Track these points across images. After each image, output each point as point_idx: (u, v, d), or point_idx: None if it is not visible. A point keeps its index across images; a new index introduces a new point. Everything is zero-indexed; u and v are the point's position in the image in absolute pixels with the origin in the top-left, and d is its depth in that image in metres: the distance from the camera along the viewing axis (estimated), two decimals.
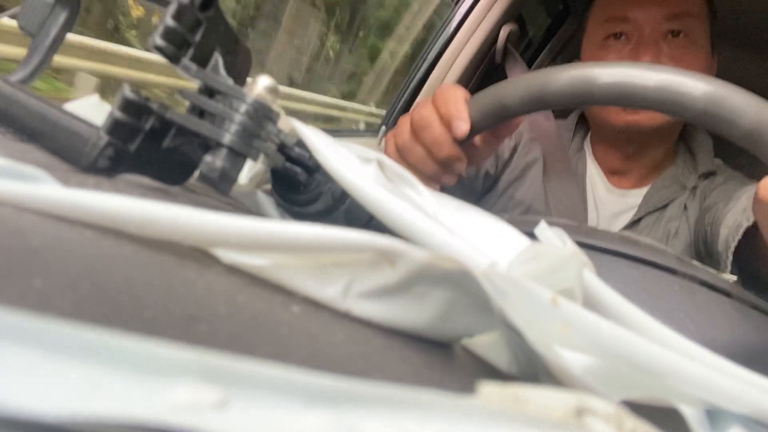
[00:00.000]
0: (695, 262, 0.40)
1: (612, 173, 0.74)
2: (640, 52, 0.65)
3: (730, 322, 0.33)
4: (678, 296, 0.34)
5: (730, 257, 0.50)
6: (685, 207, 0.69)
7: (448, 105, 0.46)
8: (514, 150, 0.77)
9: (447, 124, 0.45)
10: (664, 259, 0.37)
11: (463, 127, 0.45)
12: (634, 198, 0.72)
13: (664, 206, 0.69)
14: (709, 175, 0.71)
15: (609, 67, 0.40)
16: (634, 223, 0.69)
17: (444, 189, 0.49)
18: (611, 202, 0.73)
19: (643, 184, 0.72)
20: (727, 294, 0.35)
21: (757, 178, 0.38)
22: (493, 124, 0.46)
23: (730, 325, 0.33)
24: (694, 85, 0.37)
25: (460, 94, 0.46)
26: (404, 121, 0.50)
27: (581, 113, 0.80)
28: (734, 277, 0.46)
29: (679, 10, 0.65)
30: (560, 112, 0.88)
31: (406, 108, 1.03)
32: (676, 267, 0.36)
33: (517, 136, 0.78)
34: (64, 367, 0.08)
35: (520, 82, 0.43)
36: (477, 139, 0.49)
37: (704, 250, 0.63)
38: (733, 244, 0.50)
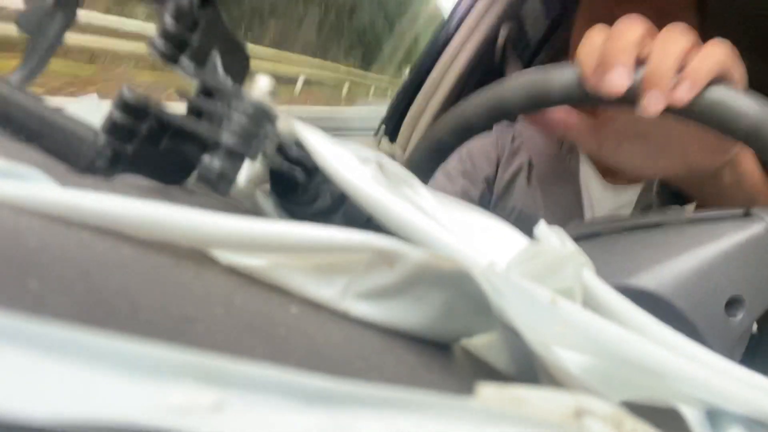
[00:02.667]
0: (625, 216, 0.40)
1: (606, 171, 0.74)
2: None
3: (662, 247, 0.33)
4: (601, 254, 0.34)
5: (654, 189, 0.51)
6: None
7: None
8: (497, 165, 0.78)
9: None
10: (587, 228, 0.37)
11: None
12: (629, 194, 0.72)
13: None
14: None
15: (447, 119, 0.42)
16: None
17: None
18: (606, 200, 0.73)
19: (639, 180, 0.72)
20: (657, 225, 0.35)
21: None
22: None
23: (663, 250, 0.32)
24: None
25: None
26: None
27: None
28: (690, 205, 0.46)
29: (665, 5, 0.65)
30: None
31: (405, 107, 1.03)
32: (599, 230, 0.37)
33: (499, 151, 0.79)
34: (58, 369, 0.08)
35: (422, 142, 0.45)
36: None
37: None
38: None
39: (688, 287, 0.31)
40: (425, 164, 0.44)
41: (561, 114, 0.41)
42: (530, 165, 0.76)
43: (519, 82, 0.38)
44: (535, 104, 0.38)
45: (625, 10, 0.65)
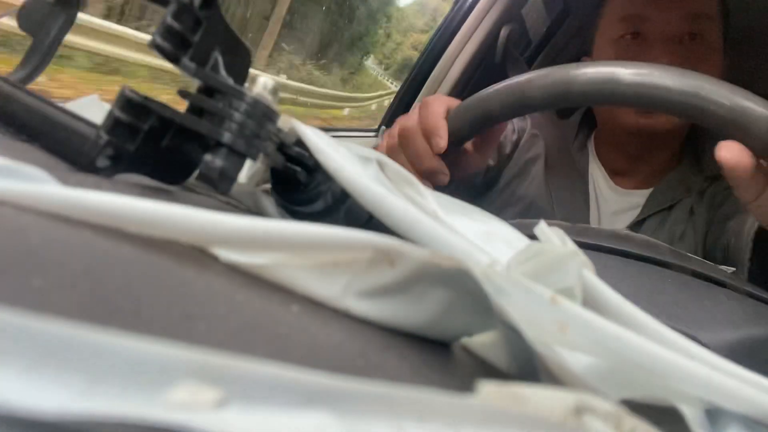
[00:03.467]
0: (689, 255, 0.40)
1: (616, 173, 0.74)
2: (656, 54, 0.64)
3: (724, 311, 0.33)
4: (672, 289, 0.34)
5: (747, 260, 0.50)
6: (692, 211, 0.68)
7: (428, 119, 0.47)
8: (515, 145, 0.77)
9: (428, 138, 0.46)
10: (658, 252, 0.37)
11: (440, 143, 0.46)
12: (637, 198, 0.71)
13: (670, 208, 0.69)
14: (715, 179, 0.71)
15: (577, 67, 0.40)
16: (637, 224, 0.69)
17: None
18: (613, 201, 0.73)
19: (647, 185, 0.72)
20: (721, 284, 0.36)
21: None
22: (478, 132, 0.47)
23: (724, 315, 0.33)
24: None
25: (441, 107, 0.47)
26: (397, 123, 0.51)
27: (585, 112, 0.80)
28: (731, 269, 0.46)
29: (697, 11, 0.64)
30: (562, 111, 0.88)
31: (406, 107, 1.03)
32: (670, 260, 0.37)
33: (520, 132, 0.78)
34: (62, 366, 0.08)
35: (501, 88, 0.44)
36: (468, 146, 0.51)
37: (721, 255, 0.63)
38: (750, 245, 0.50)
39: (733, 359, 0.31)
40: None
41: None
42: (546, 157, 0.75)
43: (686, 82, 0.36)
44: (693, 114, 0.36)
45: (656, 13, 0.65)
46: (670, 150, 0.72)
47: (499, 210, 0.73)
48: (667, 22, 0.64)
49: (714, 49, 0.66)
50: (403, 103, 1.04)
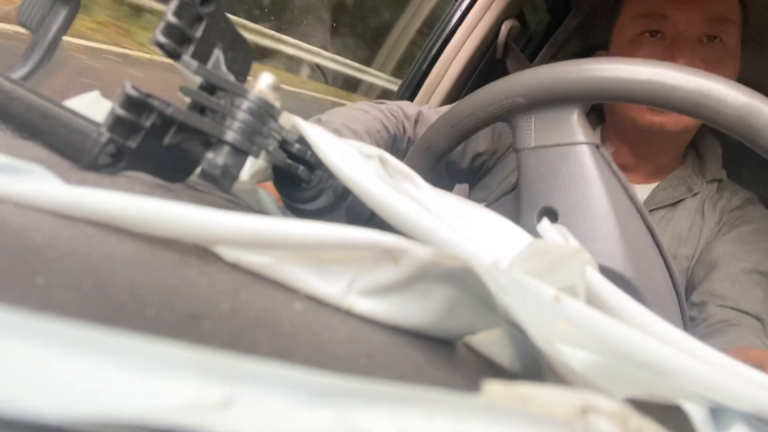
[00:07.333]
0: None
1: (620, 168, 0.74)
2: (675, 54, 0.64)
3: None
4: None
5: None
6: (703, 218, 0.68)
7: None
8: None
9: None
10: None
11: None
12: (639, 193, 0.71)
13: (674, 206, 0.69)
14: (721, 189, 0.71)
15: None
16: None
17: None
18: None
19: (650, 181, 0.72)
20: None
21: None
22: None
23: None
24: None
25: None
26: None
27: (594, 106, 0.80)
28: None
29: (718, 13, 0.64)
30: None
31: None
32: None
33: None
34: (66, 366, 0.08)
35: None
36: None
37: (690, 290, 0.63)
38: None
39: None
40: None
41: None
42: None
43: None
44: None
45: (678, 13, 0.65)
46: (675, 150, 0.72)
47: (497, 200, 0.72)
48: (689, 22, 0.64)
49: (731, 53, 0.66)
50: (403, 100, 1.03)
